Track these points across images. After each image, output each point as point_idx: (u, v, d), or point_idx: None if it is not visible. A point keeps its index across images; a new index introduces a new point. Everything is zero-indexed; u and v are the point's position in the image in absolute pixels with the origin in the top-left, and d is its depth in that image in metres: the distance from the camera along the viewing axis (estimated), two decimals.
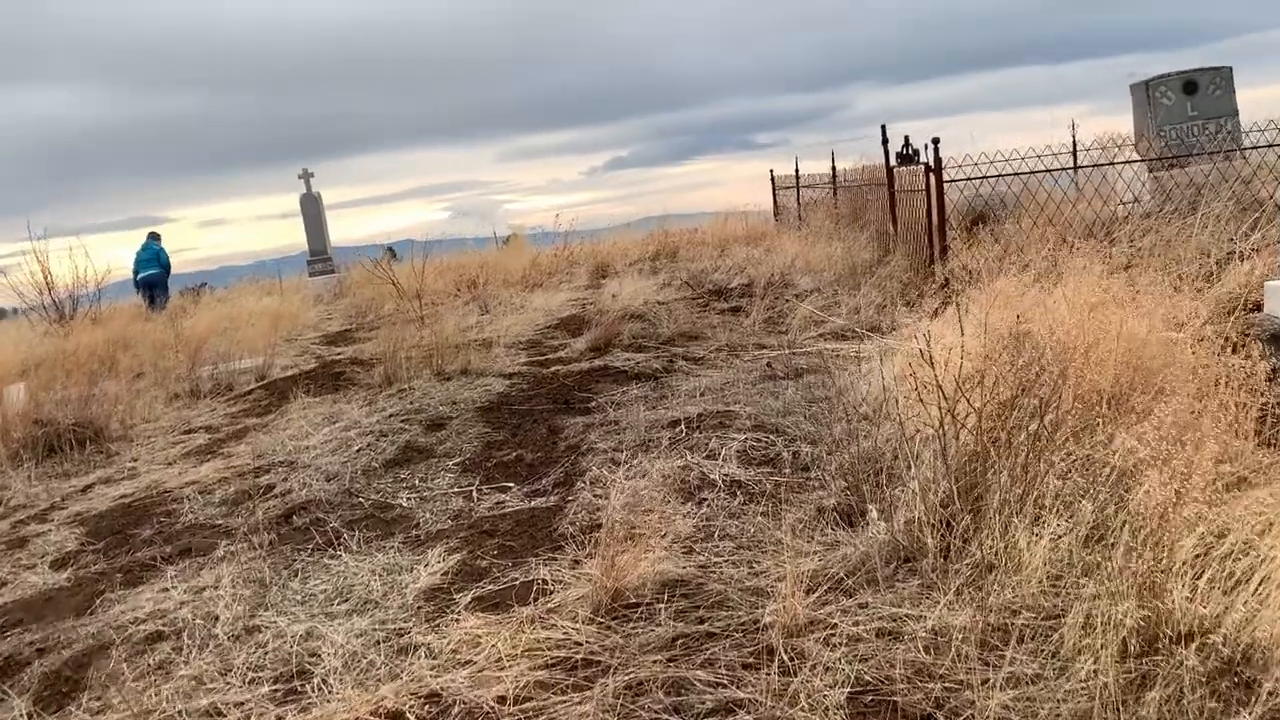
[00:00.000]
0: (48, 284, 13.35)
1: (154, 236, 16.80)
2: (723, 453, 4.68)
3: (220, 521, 4.82)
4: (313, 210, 18.85)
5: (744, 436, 4.85)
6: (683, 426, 5.13)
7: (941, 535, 3.33)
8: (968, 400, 3.50)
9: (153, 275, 16.59)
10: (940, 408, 3.53)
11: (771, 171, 17.46)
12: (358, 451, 5.67)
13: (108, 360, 9.92)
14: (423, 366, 7.62)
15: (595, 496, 4.38)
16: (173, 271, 17.35)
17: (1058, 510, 3.31)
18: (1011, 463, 3.41)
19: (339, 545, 4.31)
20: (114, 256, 16.49)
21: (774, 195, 17.51)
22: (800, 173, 15.27)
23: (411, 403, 6.62)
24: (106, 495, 5.64)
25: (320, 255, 18.85)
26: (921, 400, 3.69)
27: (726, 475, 4.42)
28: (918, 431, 4.00)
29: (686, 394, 6.00)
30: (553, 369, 7.41)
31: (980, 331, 4.69)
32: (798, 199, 15.18)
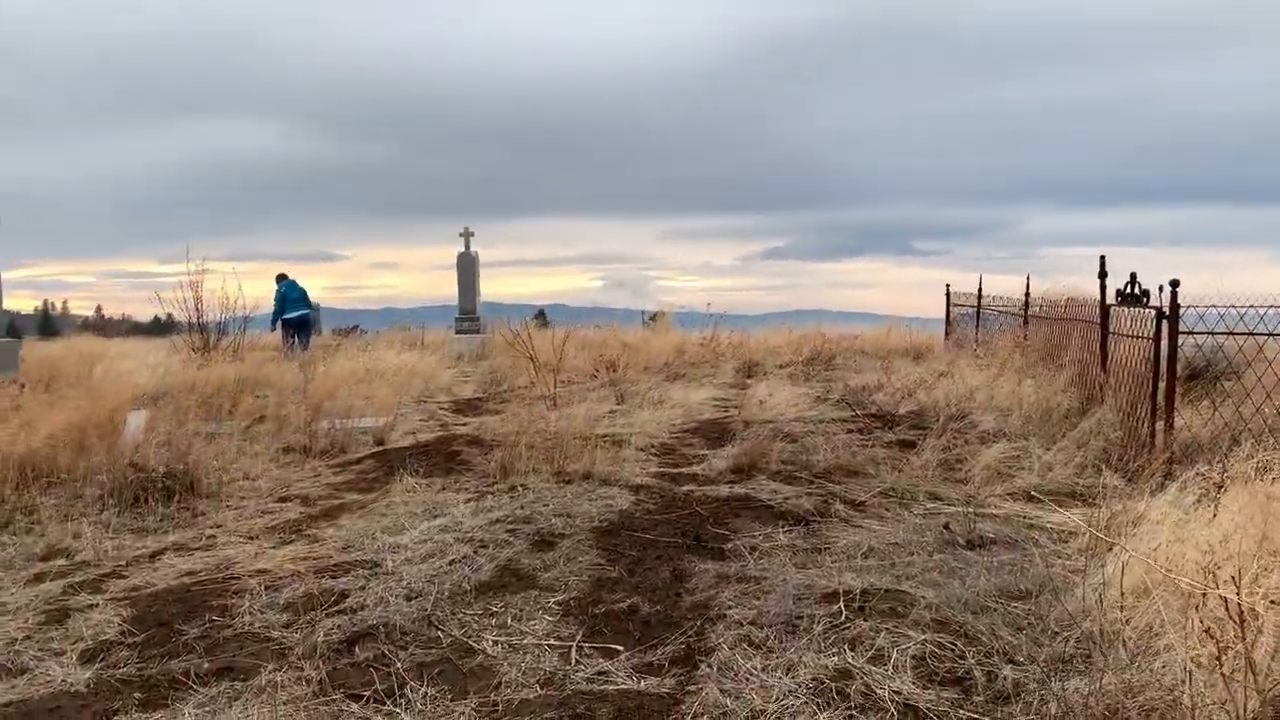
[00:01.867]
0: (197, 309, 13.50)
1: (283, 277, 16.87)
2: (894, 657, 3.60)
3: (275, 634, 4.06)
4: (468, 269, 18.80)
5: (922, 637, 3.75)
6: (842, 606, 4.07)
7: None
8: None
9: (307, 314, 16.72)
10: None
11: (948, 286, 16.21)
12: (451, 563, 4.86)
13: (232, 398, 9.61)
14: (543, 461, 6.83)
15: (723, 693, 3.39)
16: (338, 307, 17.49)
17: None
18: None
19: (399, 698, 3.46)
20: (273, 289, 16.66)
21: (947, 311, 16.19)
22: (983, 291, 14.01)
23: (522, 507, 5.80)
24: (173, 568, 5.01)
25: (469, 314, 18.71)
26: (1222, 673, 2.55)
27: (898, 694, 3.34)
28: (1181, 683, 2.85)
29: (845, 553, 4.94)
30: (686, 488, 6.46)
31: (1251, 544, 3.51)
32: (977, 321, 13.87)
